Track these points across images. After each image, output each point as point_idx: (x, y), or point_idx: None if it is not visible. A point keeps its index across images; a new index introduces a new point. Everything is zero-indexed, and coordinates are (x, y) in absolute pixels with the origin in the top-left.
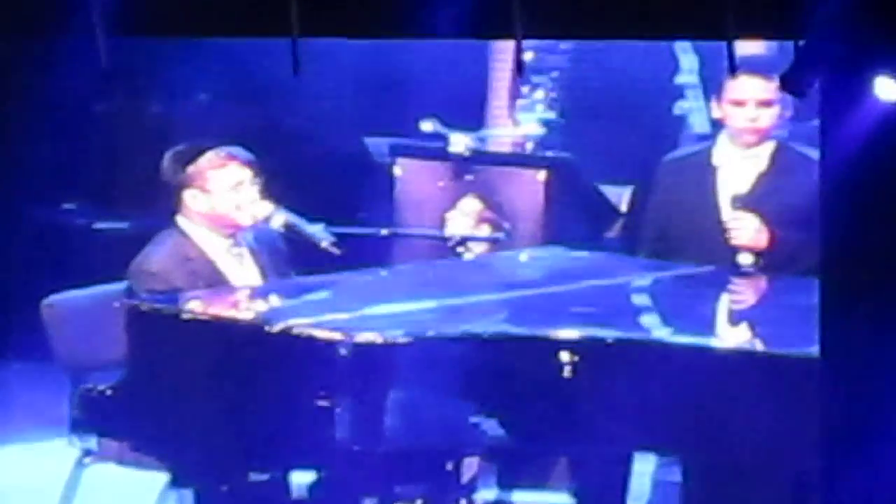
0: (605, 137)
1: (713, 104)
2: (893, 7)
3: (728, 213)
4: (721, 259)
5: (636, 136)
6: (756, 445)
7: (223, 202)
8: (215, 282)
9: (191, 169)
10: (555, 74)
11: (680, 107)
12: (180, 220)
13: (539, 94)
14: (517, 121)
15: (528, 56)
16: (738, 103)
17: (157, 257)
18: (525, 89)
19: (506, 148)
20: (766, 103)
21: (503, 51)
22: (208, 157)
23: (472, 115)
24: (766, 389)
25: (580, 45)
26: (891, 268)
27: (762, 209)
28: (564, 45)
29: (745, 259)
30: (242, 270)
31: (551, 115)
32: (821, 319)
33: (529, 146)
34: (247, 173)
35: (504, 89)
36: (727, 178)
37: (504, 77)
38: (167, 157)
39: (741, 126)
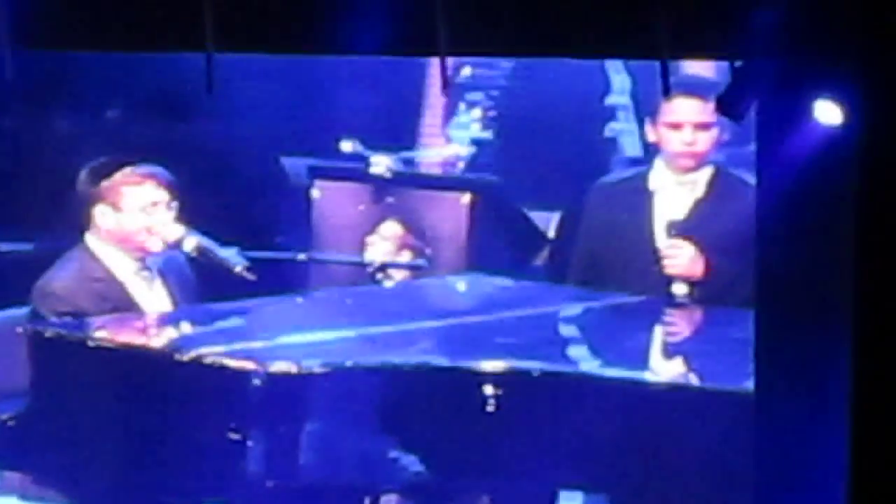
0: (536, 159)
1: (648, 127)
2: (833, 29)
3: (663, 241)
4: (655, 288)
5: (567, 159)
6: (687, 483)
7: (133, 222)
8: (123, 304)
9: (104, 183)
10: (494, 93)
11: (611, 129)
12: (89, 238)
13: (475, 112)
14: (450, 139)
15: (466, 72)
16: (675, 126)
17: (62, 277)
18: (462, 106)
19: (435, 169)
20: (704, 126)
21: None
22: (124, 173)
23: (394, 135)
24: (698, 425)
25: (520, 63)
26: (826, 297)
27: (699, 236)
28: (505, 62)
29: (679, 289)
30: (152, 294)
31: (486, 134)
32: (755, 352)
33: (460, 166)
34: (163, 195)
35: (437, 107)
36: (663, 203)
37: (438, 94)
38: (84, 170)
39: (678, 150)
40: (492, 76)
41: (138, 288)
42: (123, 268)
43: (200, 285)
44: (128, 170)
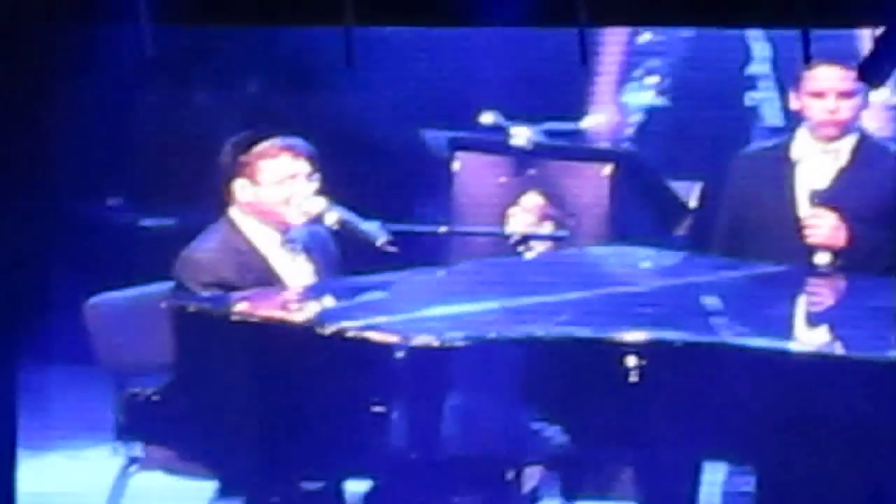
0: (678, 128)
1: (791, 96)
2: None
3: (805, 211)
4: (797, 258)
5: (707, 128)
6: (833, 454)
7: (271, 195)
8: (266, 276)
9: (242, 157)
10: (670, 60)
11: (751, 98)
12: (232, 211)
13: (653, 78)
14: (622, 105)
15: (645, 37)
16: (818, 95)
17: (206, 248)
18: (638, 72)
19: (599, 138)
20: (846, 94)
21: (614, 33)
22: (262, 147)
23: (535, 106)
24: (844, 395)
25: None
26: None
27: (842, 205)
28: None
29: (821, 258)
30: (295, 267)
31: (660, 100)
32: None
33: (628, 132)
34: (301, 166)
35: (611, 72)
36: (806, 173)
37: (612, 61)
38: (226, 145)
39: (821, 119)
40: (669, 43)
41: (281, 261)
42: (266, 240)
43: (343, 260)
44: (266, 143)
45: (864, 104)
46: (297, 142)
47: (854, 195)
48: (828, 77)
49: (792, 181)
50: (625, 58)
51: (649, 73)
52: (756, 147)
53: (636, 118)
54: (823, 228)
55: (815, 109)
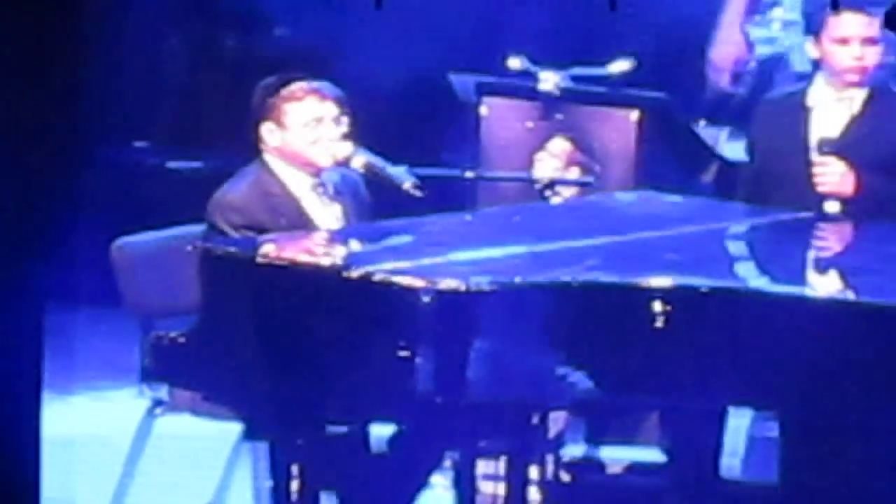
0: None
1: (809, 44)
2: None
3: (815, 158)
4: (812, 206)
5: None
6: (858, 401)
7: (297, 138)
8: (298, 219)
9: (269, 101)
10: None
11: (781, 44)
12: (265, 154)
13: (777, 11)
14: (747, 35)
15: None
16: (843, 41)
17: (239, 190)
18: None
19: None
20: (872, 41)
21: None
22: (289, 90)
23: (564, 51)
24: (868, 342)
25: None
26: None
27: (852, 154)
28: None
29: (831, 207)
30: (326, 211)
31: (783, 35)
32: None
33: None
34: (329, 109)
35: (740, 3)
36: (820, 120)
37: None
38: (257, 88)
39: (846, 65)
40: None
41: (313, 204)
42: (298, 183)
43: (375, 204)
44: (292, 86)
45: (886, 52)
46: (324, 85)
47: (865, 143)
48: (853, 23)
49: (807, 128)
50: None
51: (774, 6)
52: (778, 93)
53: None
54: (832, 176)
55: (840, 56)
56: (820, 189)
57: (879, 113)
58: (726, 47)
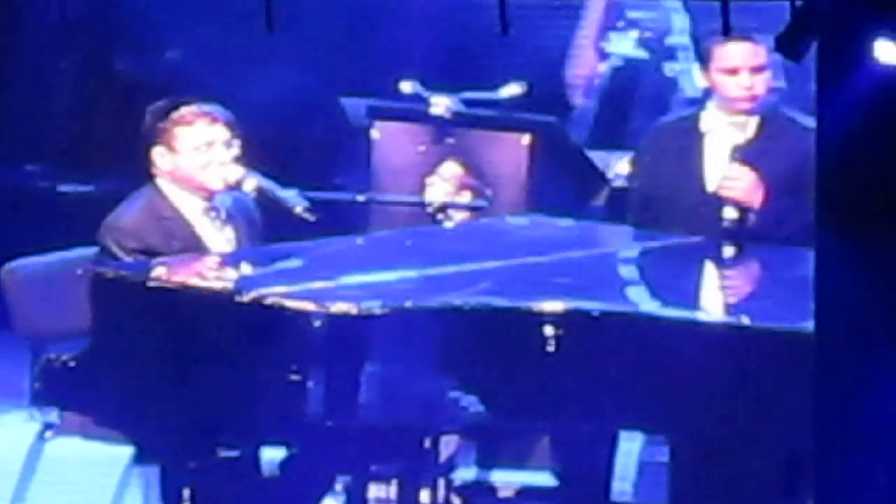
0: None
1: (699, 72)
2: None
3: (723, 168)
4: (704, 229)
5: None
6: (747, 424)
7: (188, 162)
8: (191, 243)
9: (160, 125)
10: (653, 14)
11: (671, 69)
12: (157, 178)
13: (633, 33)
14: (603, 51)
15: None
16: (731, 71)
17: (131, 213)
18: (620, 24)
19: (498, 111)
20: (759, 69)
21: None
22: (179, 114)
23: (455, 75)
24: (757, 365)
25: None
26: (888, 235)
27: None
28: None
29: (729, 213)
30: (219, 234)
31: (642, 53)
32: (816, 292)
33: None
34: (219, 132)
35: (594, 21)
36: (714, 145)
37: (597, 8)
38: (147, 112)
39: (736, 95)
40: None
41: (206, 228)
42: (191, 207)
43: (268, 228)
44: (182, 109)
45: (776, 76)
46: (215, 108)
47: (760, 167)
48: (740, 53)
49: (700, 153)
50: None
51: (631, 25)
52: (670, 118)
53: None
54: (742, 183)
55: (729, 85)
56: (728, 194)
57: (772, 135)
58: (580, 65)
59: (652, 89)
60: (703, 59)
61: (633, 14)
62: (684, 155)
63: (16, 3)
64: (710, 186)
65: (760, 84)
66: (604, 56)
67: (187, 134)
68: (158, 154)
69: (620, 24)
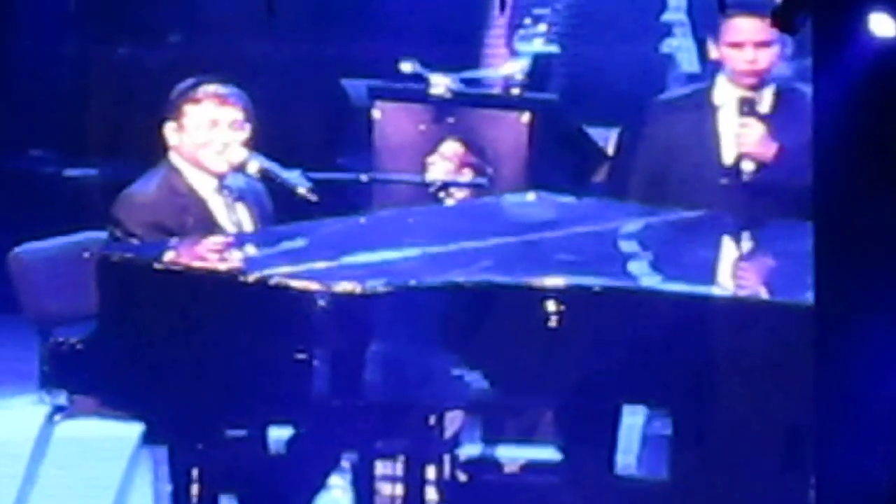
0: (595, 75)
1: (710, 45)
2: None
3: (736, 120)
4: (721, 204)
5: (624, 75)
6: (749, 397)
7: (193, 139)
8: (203, 220)
9: (173, 101)
10: (559, 7)
11: (668, 45)
12: (172, 155)
13: (541, 26)
14: (515, 52)
15: None
16: (736, 45)
17: (146, 189)
18: (528, 21)
19: (498, 86)
20: (764, 44)
21: None
22: (192, 91)
23: (454, 55)
24: (758, 338)
25: None
26: (884, 209)
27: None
28: None
29: (747, 166)
30: (231, 213)
31: (551, 48)
32: (815, 265)
33: (518, 78)
34: (226, 113)
35: (501, 21)
36: (728, 118)
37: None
38: (174, 89)
39: (741, 69)
40: None
41: (218, 206)
42: (203, 185)
43: (276, 209)
44: (198, 88)
45: (783, 52)
46: (227, 89)
47: (777, 136)
48: (745, 28)
49: (715, 126)
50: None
51: (537, 20)
52: (675, 94)
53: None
54: (752, 136)
55: (735, 60)
56: (740, 149)
57: (786, 111)
58: (494, 64)
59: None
60: (714, 32)
61: (538, 11)
62: (698, 129)
63: None
64: (728, 159)
65: (765, 58)
66: (515, 54)
67: (194, 111)
68: (169, 129)
69: (527, 20)
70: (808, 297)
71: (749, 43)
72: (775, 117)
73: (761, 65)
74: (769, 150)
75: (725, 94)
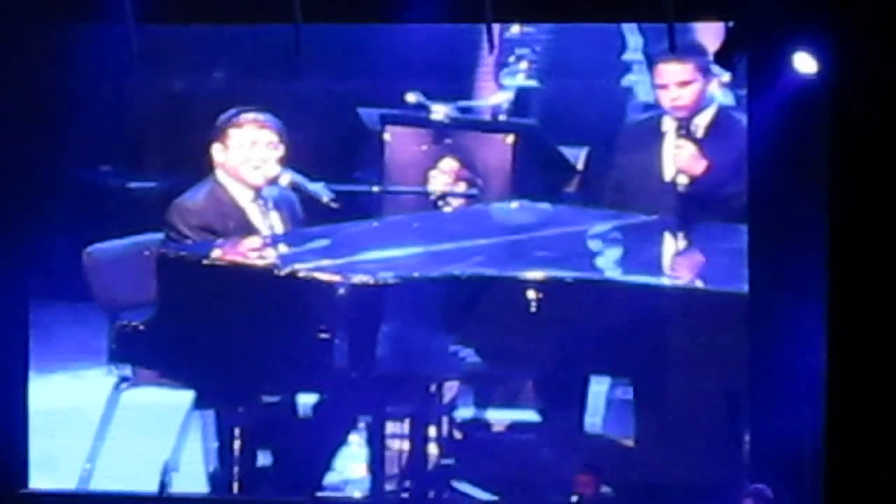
0: (568, 103)
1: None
2: None
3: (672, 141)
4: (666, 209)
5: (591, 104)
6: (696, 369)
7: (235, 157)
8: (242, 224)
9: (219, 126)
10: (537, 48)
11: (628, 79)
12: (217, 170)
13: (523, 64)
14: (502, 85)
15: (515, 29)
16: (662, 87)
17: (195, 198)
18: (511, 59)
19: (487, 113)
20: (685, 83)
21: (492, 29)
22: (237, 118)
23: (451, 87)
24: (703, 321)
25: (557, 26)
26: (807, 213)
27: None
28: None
29: (681, 179)
30: (266, 219)
31: (530, 82)
32: (749, 257)
33: (502, 118)
34: (265, 135)
35: (490, 61)
36: (670, 140)
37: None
38: (220, 117)
39: (668, 105)
40: (535, 34)
41: (255, 213)
42: (242, 196)
43: (306, 216)
44: (241, 115)
45: (706, 86)
46: (265, 116)
47: (709, 155)
48: (668, 71)
49: (660, 148)
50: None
51: (519, 59)
52: (635, 119)
53: (507, 98)
54: (684, 155)
55: (663, 98)
56: (676, 165)
57: (720, 134)
58: (484, 96)
59: (545, 109)
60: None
61: (520, 51)
62: (649, 149)
63: (93, 38)
64: (668, 175)
65: (686, 95)
66: (502, 87)
67: (237, 134)
68: (216, 149)
69: (511, 59)
70: (741, 286)
71: (672, 84)
72: (708, 140)
73: (684, 101)
74: (699, 166)
75: (668, 121)
